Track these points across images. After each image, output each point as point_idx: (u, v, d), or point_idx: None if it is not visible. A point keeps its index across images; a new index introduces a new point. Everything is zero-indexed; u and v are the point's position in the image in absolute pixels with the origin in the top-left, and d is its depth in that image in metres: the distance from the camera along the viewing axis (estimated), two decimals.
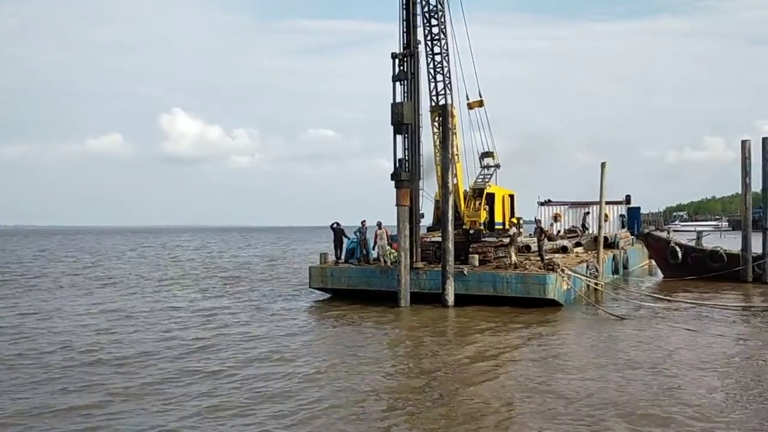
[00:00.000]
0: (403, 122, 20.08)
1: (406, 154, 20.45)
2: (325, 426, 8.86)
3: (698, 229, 42.97)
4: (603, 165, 22.47)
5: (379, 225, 22.10)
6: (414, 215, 20.53)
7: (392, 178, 20.25)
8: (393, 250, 21.14)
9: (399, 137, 20.52)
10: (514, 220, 24.06)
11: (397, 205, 20.04)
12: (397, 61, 20.67)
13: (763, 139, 25.99)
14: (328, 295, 22.63)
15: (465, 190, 22.91)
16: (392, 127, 20.51)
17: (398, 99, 20.55)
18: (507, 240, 21.78)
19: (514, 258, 20.46)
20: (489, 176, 23.81)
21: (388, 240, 21.71)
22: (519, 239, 22.31)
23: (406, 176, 20.10)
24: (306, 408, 9.57)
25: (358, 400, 9.98)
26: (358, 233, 22.92)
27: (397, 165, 20.34)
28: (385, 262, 21.41)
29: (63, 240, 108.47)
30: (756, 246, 26.15)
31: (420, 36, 21.01)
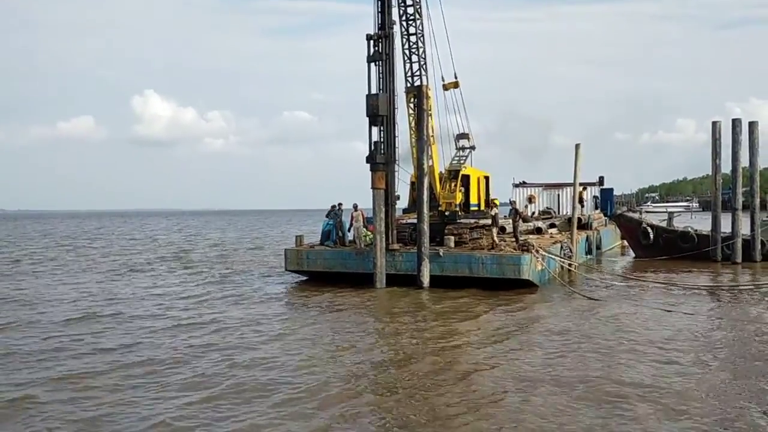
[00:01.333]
0: (378, 114, 19.88)
1: (381, 137, 20.30)
2: (304, 413, 8.85)
3: (669, 210, 43.63)
4: (577, 147, 22.68)
5: (355, 207, 22.06)
6: (389, 197, 20.51)
7: (367, 161, 20.16)
8: (369, 232, 21.11)
9: (374, 127, 20.32)
10: (496, 201, 24.20)
11: (373, 188, 19.99)
12: (372, 42, 20.48)
13: (733, 120, 26.37)
14: (304, 278, 22.56)
15: (440, 172, 22.93)
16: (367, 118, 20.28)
17: (373, 80, 20.39)
18: (488, 221, 21.88)
19: (495, 238, 20.55)
20: (464, 158, 23.85)
21: (363, 222, 21.68)
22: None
23: (381, 159, 20.01)
24: (286, 394, 9.50)
25: (337, 387, 9.93)
26: (333, 215, 22.87)
27: (373, 148, 20.23)
28: (361, 244, 21.40)
29: (35, 225, 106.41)
30: (725, 226, 26.62)
31: (395, 16, 20.85)
